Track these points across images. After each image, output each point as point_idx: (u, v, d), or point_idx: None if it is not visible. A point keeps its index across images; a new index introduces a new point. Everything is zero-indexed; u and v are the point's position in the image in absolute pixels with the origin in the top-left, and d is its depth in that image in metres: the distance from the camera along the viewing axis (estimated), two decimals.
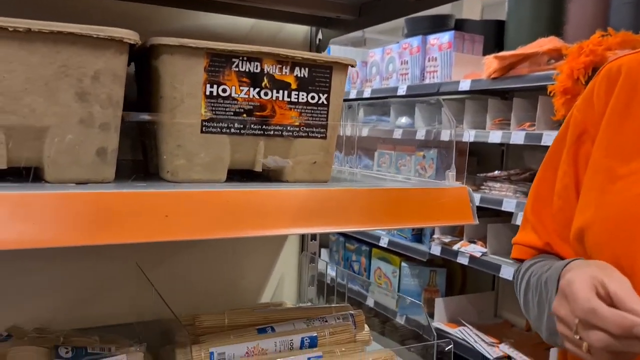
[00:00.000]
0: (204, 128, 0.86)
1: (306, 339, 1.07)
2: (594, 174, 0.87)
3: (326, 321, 1.13)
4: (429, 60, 3.46)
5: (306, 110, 0.92)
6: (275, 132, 0.91)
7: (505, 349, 3.02)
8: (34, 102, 0.75)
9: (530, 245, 0.98)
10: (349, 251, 4.12)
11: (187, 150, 0.86)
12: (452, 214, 1.01)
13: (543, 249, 0.96)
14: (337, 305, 1.22)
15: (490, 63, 2.73)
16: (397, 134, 3.65)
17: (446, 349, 1.05)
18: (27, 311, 1.21)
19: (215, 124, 0.86)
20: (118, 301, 1.34)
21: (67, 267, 1.30)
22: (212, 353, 1.01)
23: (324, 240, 4.63)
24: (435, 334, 1.06)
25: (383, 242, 3.72)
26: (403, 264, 3.62)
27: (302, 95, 0.91)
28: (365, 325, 1.20)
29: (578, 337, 0.70)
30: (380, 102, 3.91)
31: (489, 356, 3.02)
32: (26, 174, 0.78)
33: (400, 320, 3.37)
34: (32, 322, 1.16)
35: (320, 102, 0.93)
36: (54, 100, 0.76)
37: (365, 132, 3.92)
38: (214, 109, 0.86)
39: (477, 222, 1.00)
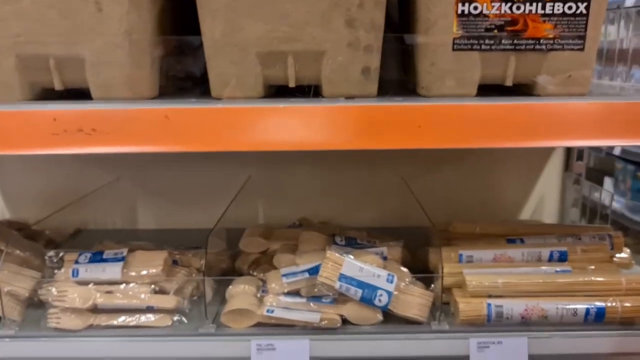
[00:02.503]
0: (455, 46, 0.92)
1: (555, 253, 1.08)
2: None
3: (579, 239, 1.11)
4: None
5: (562, 22, 0.90)
6: (527, 47, 0.92)
7: None
8: (313, 30, 0.91)
9: None
10: (639, 180, 3.69)
11: (440, 67, 0.94)
12: None
13: None
14: (595, 225, 1.18)
15: None
16: None
17: None
18: (313, 208, 1.47)
19: (466, 42, 0.91)
20: (385, 208, 1.53)
21: (345, 175, 1.52)
22: (461, 255, 1.10)
23: (608, 168, 4.21)
24: None
25: None
26: None
27: (558, 6, 0.89)
28: (626, 249, 1.14)
29: None
30: None
31: None
32: (307, 90, 0.96)
33: None
34: (317, 217, 1.41)
35: (578, 11, 0.90)
36: (328, 28, 0.91)
37: None
38: (465, 26, 0.91)
39: None
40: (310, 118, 0.89)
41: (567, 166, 1.52)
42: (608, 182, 4.09)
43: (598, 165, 4.45)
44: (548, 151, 1.50)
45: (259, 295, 1.08)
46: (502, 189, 1.52)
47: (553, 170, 1.52)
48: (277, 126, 0.88)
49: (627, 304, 0.99)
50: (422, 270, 1.12)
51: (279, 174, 1.53)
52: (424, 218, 1.15)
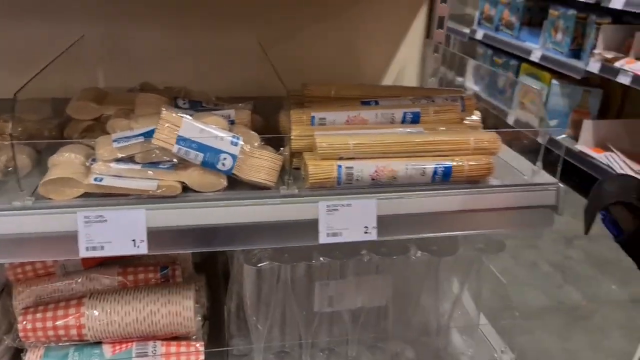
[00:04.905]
0: None
1: (408, 114, 1.05)
2: None
3: (433, 101, 1.09)
4: None
5: None
6: None
7: None
8: None
9: None
10: (496, 65, 3.87)
11: None
12: None
13: None
14: (450, 88, 1.17)
15: None
16: None
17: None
18: (160, 75, 1.30)
19: None
20: (240, 75, 1.41)
21: (196, 37, 1.36)
22: (313, 117, 1.04)
23: (469, 51, 4.37)
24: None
25: (535, 57, 3.43)
26: (554, 81, 3.34)
27: None
28: (477, 112, 1.14)
29: None
30: None
31: None
32: None
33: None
34: (162, 84, 1.26)
35: None
36: None
37: None
38: None
39: None
40: None
41: (428, 33, 1.48)
42: (472, 64, 4.27)
43: (461, 50, 4.60)
44: (411, 14, 1.44)
45: (88, 164, 0.95)
46: (364, 56, 1.45)
47: (415, 37, 1.48)
48: None
49: (473, 163, 0.99)
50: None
51: (119, 33, 1.34)
52: (281, 88, 1.05)
